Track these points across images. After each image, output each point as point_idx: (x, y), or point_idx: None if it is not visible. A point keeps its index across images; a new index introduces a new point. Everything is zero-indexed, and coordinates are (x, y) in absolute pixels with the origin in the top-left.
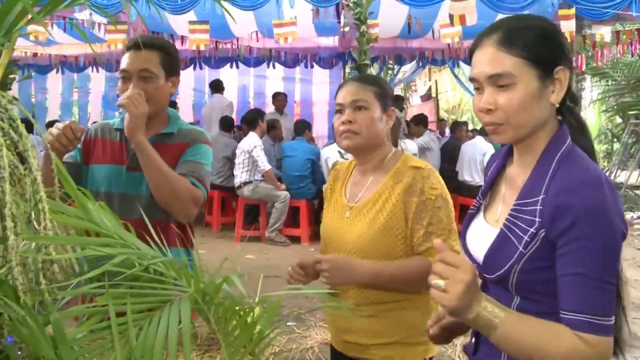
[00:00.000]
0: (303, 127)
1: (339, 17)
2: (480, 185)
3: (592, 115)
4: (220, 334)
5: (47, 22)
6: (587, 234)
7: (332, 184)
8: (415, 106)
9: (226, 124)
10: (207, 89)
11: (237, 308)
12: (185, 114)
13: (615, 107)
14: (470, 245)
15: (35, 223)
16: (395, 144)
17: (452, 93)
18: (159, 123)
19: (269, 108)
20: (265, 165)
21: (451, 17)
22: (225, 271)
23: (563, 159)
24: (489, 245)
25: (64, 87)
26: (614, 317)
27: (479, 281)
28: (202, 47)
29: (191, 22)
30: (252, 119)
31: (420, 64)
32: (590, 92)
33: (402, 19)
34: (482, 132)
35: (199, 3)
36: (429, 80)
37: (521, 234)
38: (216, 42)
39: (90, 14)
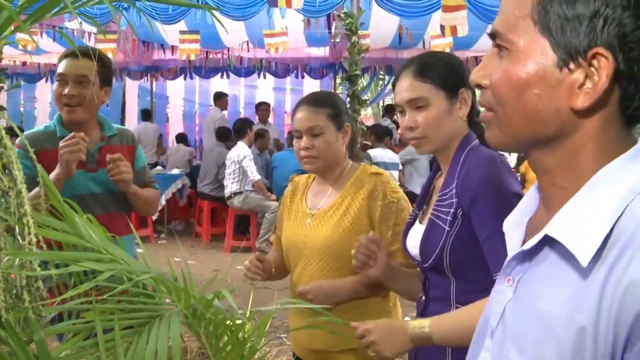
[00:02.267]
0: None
1: (329, 27)
2: None
3: None
4: (212, 351)
5: (35, 31)
6: (485, 200)
7: (291, 196)
8: None
9: (222, 134)
10: (197, 99)
11: (228, 323)
12: (175, 123)
13: None
14: (410, 246)
15: (19, 238)
16: (352, 156)
17: None
18: (93, 127)
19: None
20: (254, 175)
21: (442, 28)
22: (216, 283)
23: (468, 152)
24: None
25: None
26: None
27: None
28: (192, 57)
29: (182, 32)
30: (240, 128)
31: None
32: None
33: (393, 29)
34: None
35: (190, 13)
36: None
37: (444, 216)
38: (207, 52)
39: (81, 23)
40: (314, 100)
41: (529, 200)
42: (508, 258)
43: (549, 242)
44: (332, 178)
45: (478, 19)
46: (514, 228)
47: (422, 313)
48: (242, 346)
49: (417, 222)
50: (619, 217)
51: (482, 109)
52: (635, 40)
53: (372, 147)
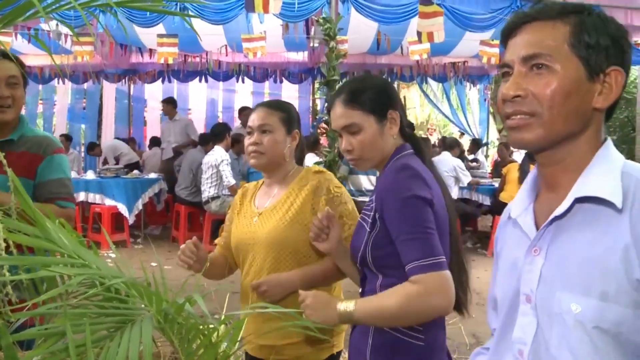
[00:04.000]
0: None
1: (308, 32)
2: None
3: None
4: (184, 354)
5: (9, 32)
6: (392, 205)
7: (241, 200)
8: None
9: (204, 139)
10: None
11: (200, 327)
12: (152, 126)
13: None
14: (351, 248)
15: None
16: (300, 162)
17: (420, 109)
18: (10, 129)
19: (238, 122)
20: (229, 180)
21: (419, 34)
22: (192, 287)
23: (391, 165)
24: None
25: (29, 99)
26: (441, 256)
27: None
28: (170, 61)
29: (160, 36)
30: (219, 133)
31: (389, 79)
32: None
33: (371, 35)
34: (448, 148)
35: (168, 16)
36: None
37: (367, 219)
38: (185, 55)
39: (57, 24)
40: (271, 104)
41: (527, 192)
42: (530, 233)
43: (579, 201)
44: (277, 178)
45: (455, 26)
46: (524, 215)
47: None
48: (215, 349)
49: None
50: (622, 177)
51: (509, 119)
52: (627, 64)
53: None
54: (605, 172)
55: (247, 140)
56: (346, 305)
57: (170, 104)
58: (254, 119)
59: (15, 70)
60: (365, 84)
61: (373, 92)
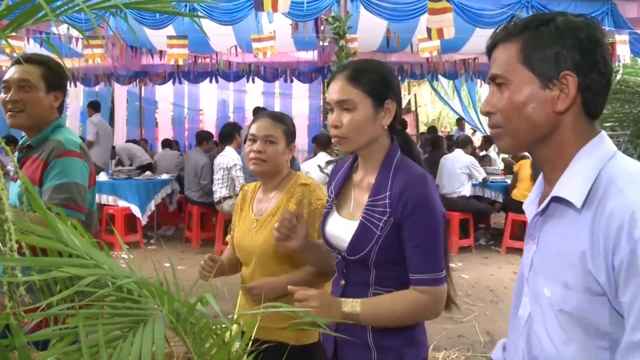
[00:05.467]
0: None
1: (317, 31)
2: (461, 196)
3: None
4: (196, 354)
5: (22, 37)
6: (418, 215)
7: (241, 203)
8: None
9: (200, 138)
10: (186, 103)
11: (213, 327)
12: (164, 128)
13: None
14: (330, 236)
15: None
16: (291, 166)
17: (431, 106)
18: (34, 134)
19: (249, 122)
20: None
21: (429, 31)
22: (204, 287)
23: (397, 166)
24: (350, 234)
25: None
26: (444, 271)
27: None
28: (180, 62)
29: (169, 37)
30: (228, 133)
31: (399, 77)
32: None
33: (380, 33)
34: (460, 145)
35: (178, 18)
36: (408, 94)
37: (377, 222)
38: (195, 56)
39: (68, 28)
40: (275, 116)
41: (538, 186)
42: (531, 223)
43: (555, 200)
44: (271, 186)
45: (465, 22)
46: (531, 205)
47: (343, 294)
48: (227, 349)
49: (334, 212)
50: (597, 177)
51: (489, 130)
52: (584, 65)
53: None
54: (579, 172)
55: (249, 147)
56: (352, 307)
57: (89, 107)
58: (259, 128)
59: (29, 74)
60: (372, 67)
61: (377, 77)
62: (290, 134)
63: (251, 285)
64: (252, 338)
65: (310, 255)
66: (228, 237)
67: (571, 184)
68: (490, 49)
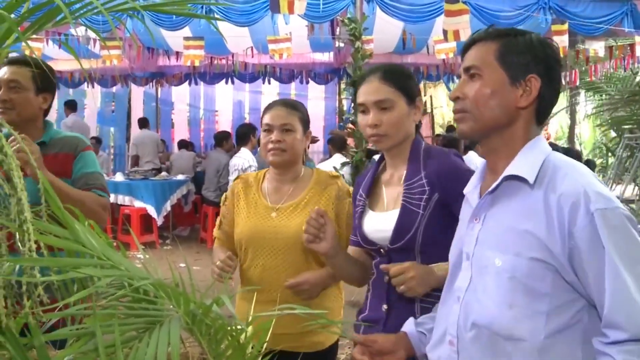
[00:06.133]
0: None
1: (333, 33)
2: None
3: (587, 129)
4: (212, 355)
5: (41, 38)
6: (464, 183)
7: (244, 191)
8: None
9: (220, 139)
10: (202, 105)
11: (228, 328)
12: (180, 128)
13: (609, 121)
14: (369, 232)
15: (19, 244)
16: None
17: (447, 108)
18: (33, 135)
19: None
20: None
21: (445, 32)
22: (219, 288)
23: (425, 152)
24: (391, 223)
25: (59, 103)
26: None
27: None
28: (197, 63)
29: (186, 38)
30: (243, 134)
31: (415, 79)
32: (585, 106)
33: (396, 34)
34: (473, 147)
35: (194, 19)
36: (424, 95)
37: (417, 202)
38: (211, 57)
39: (86, 29)
40: (289, 103)
41: (477, 175)
42: (474, 205)
43: (507, 179)
44: (289, 176)
45: (481, 24)
46: (472, 192)
47: (388, 289)
48: (243, 350)
49: (368, 210)
50: (543, 162)
51: (454, 114)
52: (547, 77)
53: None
54: (528, 157)
55: (265, 138)
56: (445, 269)
57: (65, 106)
58: (274, 117)
59: (19, 76)
60: (399, 68)
61: (407, 76)
62: (305, 121)
63: (297, 281)
64: (266, 348)
65: (338, 260)
66: (217, 232)
67: (522, 165)
68: (468, 47)
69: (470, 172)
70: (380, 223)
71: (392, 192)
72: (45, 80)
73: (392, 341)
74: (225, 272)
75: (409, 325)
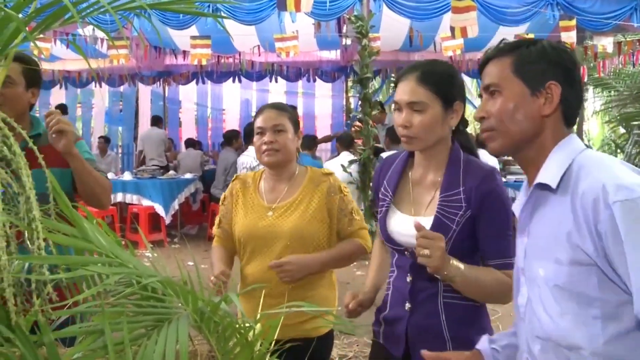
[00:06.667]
0: (312, 143)
1: (340, 30)
2: None
3: (595, 125)
4: (220, 352)
5: (49, 38)
6: (497, 206)
7: (242, 191)
8: None
9: (229, 137)
10: (209, 103)
11: (236, 326)
12: (187, 127)
13: (618, 117)
14: (396, 233)
15: (28, 242)
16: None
17: None
18: (23, 128)
19: None
20: None
21: (452, 29)
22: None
23: (465, 163)
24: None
25: (68, 102)
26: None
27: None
28: (204, 62)
29: (193, 37)
30: (251, 132)
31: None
32: (593, 102)
33: (403, 32)
34: (483, 146)
35: (201, 18)
36: None
37: (452, 217)
38: (218, 56)
39: (93, 29)
40: (278, 106)
41: (524, 189)
42: (521, 218)
43: (537, 188)
44: (285, 176)
45: (488, 20)
46: (518, 207)
47: (411, 291)
48: (251, 348)
49: (394, 208)
50: (569, 165)
51: (482, 133)
52: (566, 81)
53: (384, 150)
54: (554, 161)
55: (259, 140)
56: (458, 263)
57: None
58: (265, 119)
59: (10, 71)
60: (440, 68)
61: (447, 78)
62: (295, 121)
63: (280, 261)
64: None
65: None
66: (216, 231)
67: (547, 172)
68: (483, 65)
69: (507, 196)
70: (408, 228)
71: (424, 196)
72: (34, 75)
73: (466, 358)
74: (222, 287)
75: (482, 343)
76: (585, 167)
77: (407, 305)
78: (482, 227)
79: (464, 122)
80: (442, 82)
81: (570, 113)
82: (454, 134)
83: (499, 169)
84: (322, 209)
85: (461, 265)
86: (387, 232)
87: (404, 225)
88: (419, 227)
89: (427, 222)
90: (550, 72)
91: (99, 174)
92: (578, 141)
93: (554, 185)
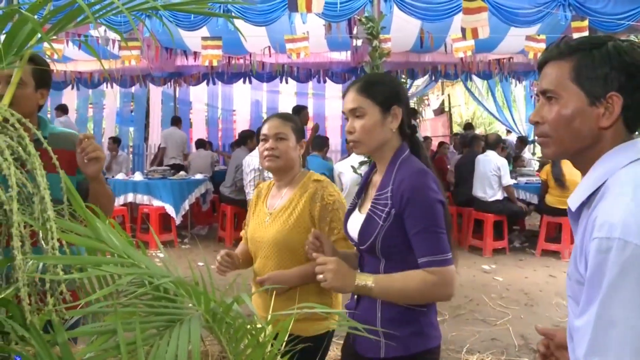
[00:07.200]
0: (323, 144)
1: (351, 32)
2: (495, 200)
3: None
4: (232, 354)
5: (61, 40)
6: (418, 205)
7: (256, 199)
8: (428, 120)
9: (244, 137)
10: (219, 104)
11: (248, 327)
12: (198, 128)
13: None
14: (350, 230)
15: (43, 242)
16: (304, 165)
17: (465, 107)
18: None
19: None
20: None
21: (463, 30)
22: (239, 287)
23: (401, 163)
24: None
25: (79, 103)
26: (449, 253)
27: (348, 264)
28: (215, 63)
29: (204, 38)
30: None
31: (433, 78)
32: None
33: (414, 33)
34: (491, 146)
35: (212, 19)
36: (442, 94)
37: (380, 213)
38: (229, 57)
39: (105, 30)
40: (283, 116)
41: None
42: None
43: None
44: (286, 180)
45: (500, 21)
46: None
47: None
48: (263, 349)
49: (356, 210)
50: (603, 184)
51: (537, 138)
52: (629, 87)
53: None
54: (588, 180)
55: (262, 147)
56: (365, 281)
57: (56, 111)
58: (269, 128)
59: (21, 72)
60: (379, 78)
61: (384, 87)
62: (299, 131)
63: (262, 278)
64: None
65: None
66: (242, 232)
67: (578, 190)
68: (542, 65)
69: (429, 194)
70: (355, 224)
71: (370, 196)
72: (43, 75)
73: None
74: (224, 268)
75: None
76: (609, 189)
77: (355, 297)
78: (408, 225)
79: (410, 127)
80: (379, 90)
81: (633, 120)
82: (406, 138)
83: (508, 170)
84: (304, 217)
85: (369, 280)
86: (345, 229)
87: (353, 221)
88: (315, 257)
89: (362, 218)
90: (612, 79)
91: (109, 187)
92: (631, 152)
93: (573, 208)
